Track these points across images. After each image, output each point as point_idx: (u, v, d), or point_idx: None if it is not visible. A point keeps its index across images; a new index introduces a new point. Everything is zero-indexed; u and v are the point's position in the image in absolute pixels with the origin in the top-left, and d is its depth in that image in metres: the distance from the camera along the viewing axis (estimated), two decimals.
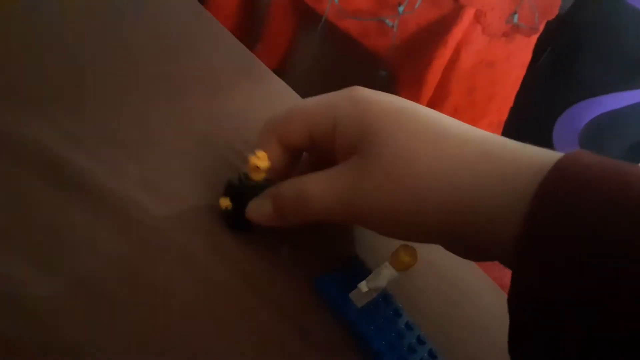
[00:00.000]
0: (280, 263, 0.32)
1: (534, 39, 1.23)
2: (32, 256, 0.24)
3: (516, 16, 1.10)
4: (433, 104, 1.09)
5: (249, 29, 1.13)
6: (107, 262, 0.26)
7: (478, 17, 1.03)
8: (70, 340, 0.23)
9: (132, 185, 0.30)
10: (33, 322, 0.22)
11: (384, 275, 0.29)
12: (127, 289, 0.26)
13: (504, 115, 1.37)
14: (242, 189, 0.30)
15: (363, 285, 0.30)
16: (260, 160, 0.29)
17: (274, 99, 0.46)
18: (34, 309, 0.23)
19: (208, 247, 0.30)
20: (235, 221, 0.31)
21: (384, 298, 0.32)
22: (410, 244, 0.29)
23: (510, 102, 1.35)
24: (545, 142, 1.88)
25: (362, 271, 0.33)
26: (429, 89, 1.06)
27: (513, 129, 1.45)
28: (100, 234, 0.27)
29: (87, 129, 0.32)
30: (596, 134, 1.80)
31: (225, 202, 0.30)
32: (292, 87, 0.48)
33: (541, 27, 1.22)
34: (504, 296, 0.41)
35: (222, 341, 0.26)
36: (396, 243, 0.30)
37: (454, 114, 1.15)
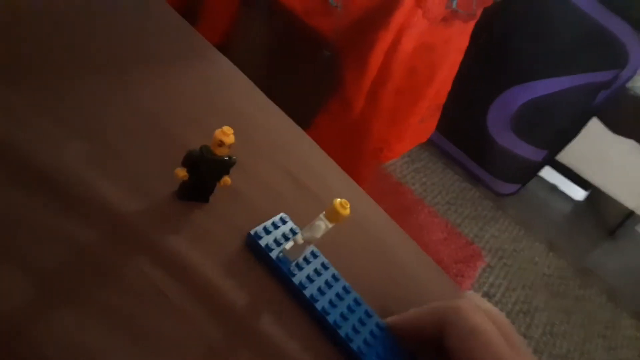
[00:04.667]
0: (215, 220, 0.32)
1: (471, 24, 1.27)
2: None
3: (455, 2, 1.13)
4: (376, 85, 1.11)
5: (190, 3, 1.10)
6: (54, 245, 0.25)
7: (419, 2, 1.05)
8: (30, 334, 0.22)
9: (78, 163, 0.30)
10: None
11: (319, 227, 0.30)
12: (74, 267, 0.25)
13: (442, 98, 1.41)
14: (202, 162, 0.30)
15: (299, 237, 0.32)
16: (226, 135, 0.29)
17: (218, 77, 0.46)
18: None
19: (155, 218, 0.30)
20: (191, 192, 0.32)
21: (312, 254, 0.34)
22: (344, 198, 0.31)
23: (448, 85, 1.39)
24: (480, 125, 1.95)
25: (291, 229, 0.35)
26: (372, 71, 1.08)
27: (450, 112, 1.50)
28: (45, 216, 0.26)
29: (29, 107, 0.31)
30: (527, 118, 1.90)
31: (182, 173, 0.30)
32: (235, 64, 0.48)
33: (478, 14, 1.26)
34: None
35: (166, 305, 0.27)
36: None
37: (396, 95, 1.18)
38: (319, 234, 0.31)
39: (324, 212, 0.31)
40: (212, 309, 0.28)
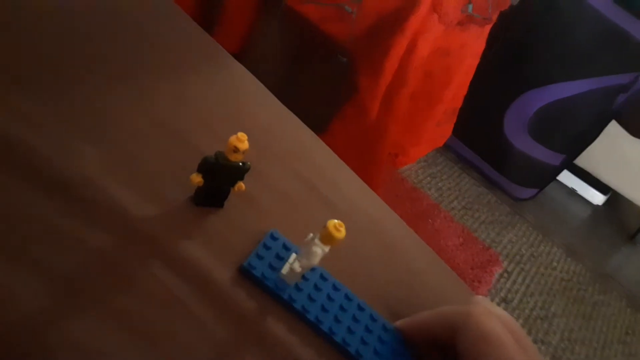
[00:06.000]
0: (229, 225, 0.32)
1: (487, 28, 1.27)
2: None
3: (470, 6, 1.13)
4: (391, 91, 1.11)
5: (207, 11, 1.12)
6: (69, 249, 0.26)
7: (434, 6, 1.05)
8: (43, 337, 0.23)
9: (94, 168, 0.30)
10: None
11: (316, 253, 0.29)
12: (88, 271, 0.26)
13: (458, 102, 1.41)
14: (217, 168, 0.30)
15: (296, 266, 0.30)
16: (241, 142, 0.29)
17: (233, 84, 0.46)
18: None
19: (171, 223, 0.30)
20: (206, 197, 0.32)
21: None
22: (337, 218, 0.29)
23: (464, 89, 1.38)
24: (497, 129, 1.94)
25: (283, 245, 0.33)
26: (387, 76, 1.08)
27: (467, 116, 1.49)
28: (61, 220, 0.27)
29: (43, 112, 0.31)
30: (545, 122, 1.88)
31: (197, 178, 0.30)
32: (251, 72, 0.48)
33: (494, 18, 1.25)
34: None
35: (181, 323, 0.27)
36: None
37: (412, 100, 1.18)
38: (316, 261, 0.29)
39: (318, 236, 0.29)
40: (225, 314, 0.28)
